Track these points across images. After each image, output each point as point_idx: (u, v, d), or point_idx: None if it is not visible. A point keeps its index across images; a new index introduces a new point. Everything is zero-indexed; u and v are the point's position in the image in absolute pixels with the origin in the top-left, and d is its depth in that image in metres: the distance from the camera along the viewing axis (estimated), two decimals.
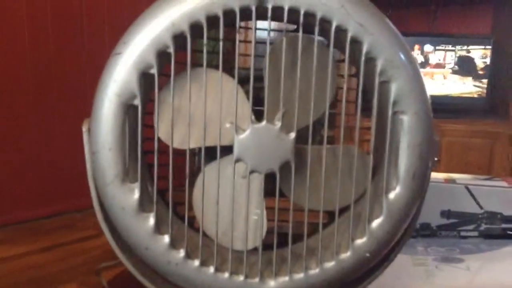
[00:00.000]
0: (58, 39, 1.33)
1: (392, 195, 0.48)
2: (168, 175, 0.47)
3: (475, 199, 0.81)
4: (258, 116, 0.47)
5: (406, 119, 0.46)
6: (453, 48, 1.87)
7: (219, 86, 0.46)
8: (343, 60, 0.53)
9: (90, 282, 0.77)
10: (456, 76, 1.96)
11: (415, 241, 0.82)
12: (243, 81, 0.50)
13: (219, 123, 0.46)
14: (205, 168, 0.49)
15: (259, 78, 0.50)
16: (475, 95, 1.92)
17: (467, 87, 1.91)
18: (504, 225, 0.82)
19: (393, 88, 0.45)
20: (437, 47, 1.91)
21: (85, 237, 1.04)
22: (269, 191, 0.50)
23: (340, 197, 0.49)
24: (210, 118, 0.48)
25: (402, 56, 0.45)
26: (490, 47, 1.87)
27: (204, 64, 0.46)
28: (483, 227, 0.82)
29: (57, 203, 1.35)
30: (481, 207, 0.82)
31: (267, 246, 0.50)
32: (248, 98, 0.47)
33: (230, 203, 0.48)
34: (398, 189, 0.47)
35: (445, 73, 1.94)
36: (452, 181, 0.83)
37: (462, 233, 0.83)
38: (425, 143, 0.47)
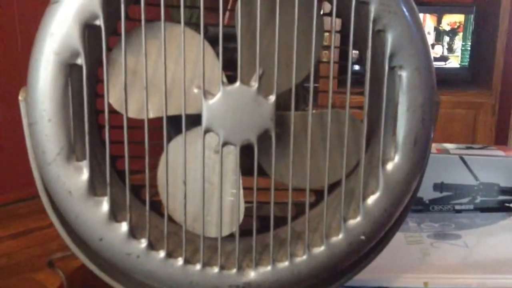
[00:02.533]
0: None
1: (389, 166, 0.41)
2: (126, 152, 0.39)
3: (470, 170, 0.76)
4: (232, 82, 0.40)
5: (405, 76, 0.39)
6: (435, 15, 1.81)
7: (183, 44, 0.38)
8: (328, 14, 0.46)
9: (65, 269, 0.70)
10: (438, 46, 1.90)
11: (407, 216, 0.76)
12: (213, 41, 0.42)
13: (184, 87, 0.39)
14: (170, 143, 0.42)
15: (232, 37, 0.42)
16: (458, 65, 1.87)
17: (449, 57, 1.85)
18: (501, 197, 0.77)
19: (390, 39, 0.38)
20: None
21: None
22: (246, 168, 0.43)
23: (330, 172, 0.42)
24: (173, 82, 0.40)
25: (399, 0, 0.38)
26: (472, 15, 1.82)
27: (162, 16, 0.38)
28: (478, 199, 0.77)
29: (28, 187, 1.26)
30: (476, 179, 0.76)
31: (245, 232, 0.43)
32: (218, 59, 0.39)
33: (200, 182, 0.41)
34: (396, 159, 0.40)
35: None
36: (446, 151, 0.77)
37: (457, 207, 0.77)
38: (428, 103, 0.40)
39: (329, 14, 0.46)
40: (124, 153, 0.39)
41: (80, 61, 0.36)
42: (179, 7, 0.39)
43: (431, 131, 0.41)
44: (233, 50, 0.43)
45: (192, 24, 0.48)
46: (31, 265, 0.79)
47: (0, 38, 1.22)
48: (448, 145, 0.79)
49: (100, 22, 0.36)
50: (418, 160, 0.41)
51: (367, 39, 0.39)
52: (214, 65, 0.41)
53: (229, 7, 0.50)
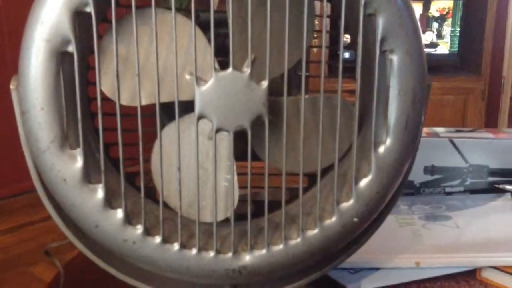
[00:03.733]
0: None
1: (381, 149, 0.41)
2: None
3: (460, 153, 0.76)
4: (224, 68, 0.40)
5: (396, 59, 0.39)
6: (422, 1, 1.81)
7: (175, 30, 0.38)
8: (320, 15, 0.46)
9: (60, 262, 0.70)
10: (428, 33, 1.91)
11: (398, 200, 0.77)
12: (205, 27, 0.42)
13: (176, 74, 0.39)
14: (163, 130, 0.42)
15: (224, 23, 0.42)
16: (447, 52, 1.88)
17: (439, 43, 1.86)
18: (490, 179, 0.78)
19: (381, 22, 0.38)
20: None
21: None
22: (240, 154, 0.43)
23: (322, 156, 0.42)
24: (165, 68, 0.40)
25: None
26: (461, 1, 1.82)
27: (153, 3, 0.38)
28: (468, 181, 0.78)
29: (19, 182, 1.24)
30: (466, 161, 0.77)
31: (240, 216, 0.43)
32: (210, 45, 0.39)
33: (195, 169, 0.41)
34: (388, 142, 0.41)
35: None
36: (436, 134, 0.78)
37: (447, 189, 0.78)
38: (419, 86, 0.40)
39: None
40: (118, 141, 0.39)
41: (71, 48, 0.36)
42: None
43: (422, 114, 0.42)
44: (224, 35, 0.43)
45: (183, 10, 0.48)
46: (27, 259, 0.78)
47: None
48: (438, 129, 0.80)
49: (90, 8, 0.36)
50: (410, 142, 0.41)
51: (358, 23, 0.39)
52: (206, 51, 0.41)
53: None
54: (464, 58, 1.86)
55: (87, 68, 0.41)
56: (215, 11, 0.38)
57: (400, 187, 0.45)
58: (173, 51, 0.38)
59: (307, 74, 0.41)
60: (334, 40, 0.52)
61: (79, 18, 0.36)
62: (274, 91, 0.41)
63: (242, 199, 0.44)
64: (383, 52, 0.39)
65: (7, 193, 1.25)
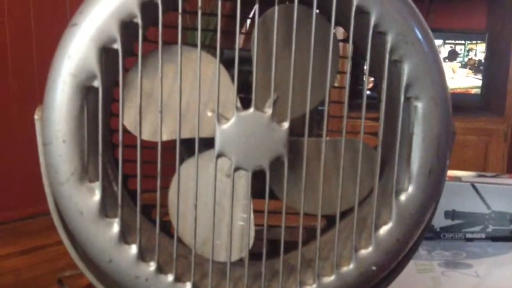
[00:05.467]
0: None
1: (403, 197, 0.40)
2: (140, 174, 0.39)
3: (482, 198, 0.74)
4: (246, 105, 0.40)
5: (421, 106, 0.39)
6: (452, 42, 1.81)
7: (200, 67, 0.38)
8: (344, 40, 0.46)
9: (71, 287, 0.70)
10: (450, 69, 1.89)
11: None
12: (228, 64, 0.42)
13: (198, 110, 0.39)
14: (182, 165, 0.42)
15: (247, 60, 0.42)
16: (470, 91, 1.85)
17: (462, 83, 1.84)
18: None
19: (406, 69, 0.38)
20: None
21: None
22: (257, 191, 0.42)
23: (342, 199, 0.41)
24: (188, 105, 0.40)
25: (417, 30, 0.38)
26: (485, 42, 1.81)
27: (179, 40, 0.38)
28: (490, 228, 0.75)
29: (34, 205, 1.24)
30: (488, 207, 0.75)
31: (255, 255, 0.42)
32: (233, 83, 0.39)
33: (211, 205, 0.40)
34: (410, 190, 0.40)
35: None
36: (457, 178, 0.76)
37: (468, 235, 0.76)
38: (443, 134, 0.39)
39: (344, 40, 0.46)
40: (136, 173, 0.39)
41: (97, 83, 0.37)
42: (195, 29, 0.39)
43: (446, 162, 0.41)
44: (247, 72, 0.43)
45: (208, 46, 0.49)
46: (38, 282, 0.78)
47: (16, 58, 1.24)
48: (460, 173, 0.78)
49: (117, 45, 0.36)
50: (433, 191, 0.40)
51: (382, 68, 0.38)
52: (229, 89, 0.41)
53: (244, 30, 0.51)
54: (487, 99, 1.84)
55: (111, 100, 0.41)
56: (239, 49, 0.39)
57: (422, 235, 0.44)
58: (197, 88, 0.38)
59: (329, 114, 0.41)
60: (355, 80, 0.52)
61: (105, 53, 0.36)
62: (294, 129, 0.41)
63: (258, 237, 0.43)
64: (407, 99, 0.39)
65: (22, 215, 1.25)
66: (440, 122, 0.39)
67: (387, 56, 0.38)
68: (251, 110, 0.38)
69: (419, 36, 0.38)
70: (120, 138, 0.37)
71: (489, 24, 1.90)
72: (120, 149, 0.38)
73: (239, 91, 0.40)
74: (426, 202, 0.40)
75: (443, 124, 0.39)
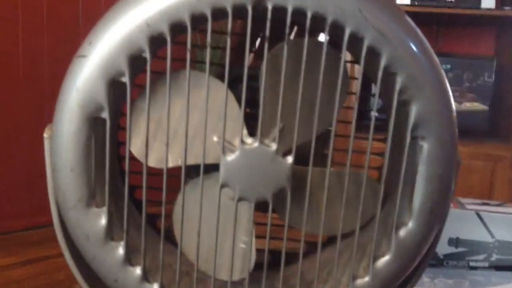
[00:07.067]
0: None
1: (403, 232, 0.41)
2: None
3: (486, 227, 0.73)
4: (252, 121, 0.40)
5: (426, 147, 0.38)
6: (458, 71, 1.73)
7: (209, 95, 0.38)
8: (353, 77, 0.45)
9: None
10: (457, 95, 1.81)
11: None
12: (236, 80, 0.42)
13: (205, 137, 0.39)
14: (186, 187, 0.42)
15: (256, 77, 0.42)
16: (477, 117, 1.77)
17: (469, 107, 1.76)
18: None
19: (414, 110, 0.38)
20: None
21: None
22: (261, 206, 0.43)
23: (343, 224, 0.42)
24: (197, 131, 0.41)
25: (428, 71, 0.37)
26: (493, 68, 1.72)
27: (188, 75, 0.38)
28: (494, 257, 0.74)
29: (37, 215, 1.25)
30: (492, 236, 0.74)
31: (257, 265, 0.44)
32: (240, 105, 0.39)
33: (214, 224, 0.41)
34: (410, 225, 0.40)
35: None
36: (461, 205, 0.76)
37: (472, 264, 0.75)
38: (447, 174, 0.39)
39: (352, 61, 0.46)
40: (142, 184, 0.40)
41: (104, 114, 0.37)
42: (203, 47, 0.38)
43: (449, 198, 0.41)
44: (255, 89, 0.43)
45: (216, 64, 0.48)
46: None
47: (28, 78, 1.24)
48: (465, 200, 0.77)
49: (126, 79, 0.36)
50: (433, 226, 0.41)
51: (391, 105, 0.38)
52: (238, 117, 0.41)
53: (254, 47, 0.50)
54: (494, 124, 1.79)
55: (118, 128, 0.42)
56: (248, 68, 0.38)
57: (425, 262, 0.44)
58: (205, 115, 0.38)
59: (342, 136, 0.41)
60: (363, 101, 0.51)
61: (113, 86, 0.36)
62: (299, 151, 0.41)
63: (259, 251, 0.45)
64: (413, 138, 0.38)
65: (25, 225, 1.26)
66: (445, 163, 0.39)
67: (396, 96, 0.37)
68: (256, 144, 0.39)
69: (430, 78, 0.37)
70: (127, 167, 0.38)
71: (497, 50, 1.83)
72: (126, 177, 0.38)
73: (247, 105, 0.40)
74: (425, 238, 0.41)
75: (447, 165, 0.39)
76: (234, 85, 0.42)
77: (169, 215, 0.45)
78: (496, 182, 1.64)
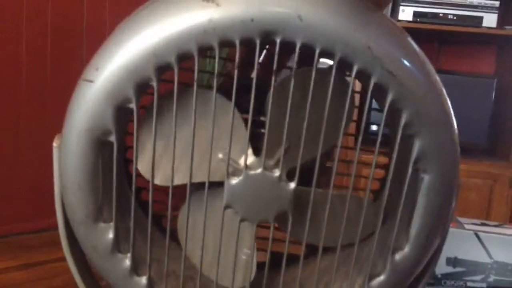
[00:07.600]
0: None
1: (399, 255, 0.42)
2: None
3: (484, 248, 0.74)
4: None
5: (427, 179, 0.39)
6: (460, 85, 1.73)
7: (217, 117, 0.39)
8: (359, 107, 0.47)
9: None
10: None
11: None
12: (243, 91, 0.43)
13: (210, 157, 0.40)
14: (191, 198, 0.43)
15: (262, 87, 0.43)
16: (476, 135, 1.78)
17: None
18: None
19: (418, 144, 0.38)
20: None
21: None
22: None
23: (344, 234, 0.42)
24: (205, 148, 0.42)
25: (434, 108, 0.37)
26: (493, 86, 1.73)
27: (194, 106, 0.38)
28: (492, 278, 0.75)
29: (40, 219, 1.26)
30: (490, 257, 0.74)
31: (258, 266, 0.45)
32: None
33: (218, 236, 0.42)
34: (406, 250, 0.42)
35: None
36: (460, 225, 0.76)
37: (469, 284, 0.75)
38: (446, 205, 0.40)
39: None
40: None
41: (112, 138, 0.38)
42: (212, 57, 0.39)
43: (447, 227, 0.42)
44: (261, 99, 0.43)
45: (221, 75, 0.49)
46: None
47: (31, 84, 1.25)
48: (464, 220, 0.77)
49: (133, 105, 0.37)
50: (428, 253, 0.42)
51: (395, 138, 0.39)
52: (244, 139, 0.41)
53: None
54: (493, 143, 1.80)
55: (125, 149, 0.43)
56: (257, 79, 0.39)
57: (425, 282, 0.46)
58: (215, 135, 0.39)
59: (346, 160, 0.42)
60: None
61: (121, 112, 0.37)
62: (302, 172, 0.41)
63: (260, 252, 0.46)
64: (415, 170, 0.39)
65: (23, 229, 1.26)
66: (444, 195, 0.40)
67: (400, 131, 0.38)
68: (259, 170, 0.40)
69: (436, 113, 0.37)
70: (134, 186, 0.39)
71: (498, 68, 1.85)
72: (133, 196, 0.40)
73: (254, 113, 0.40)
74: (420, 262, 0.42)
75: (446, 197, 0.40)
76: (238, 94, 0.43)
77: (175, 217, 0.46)
78: (494, 200, 1.65)
